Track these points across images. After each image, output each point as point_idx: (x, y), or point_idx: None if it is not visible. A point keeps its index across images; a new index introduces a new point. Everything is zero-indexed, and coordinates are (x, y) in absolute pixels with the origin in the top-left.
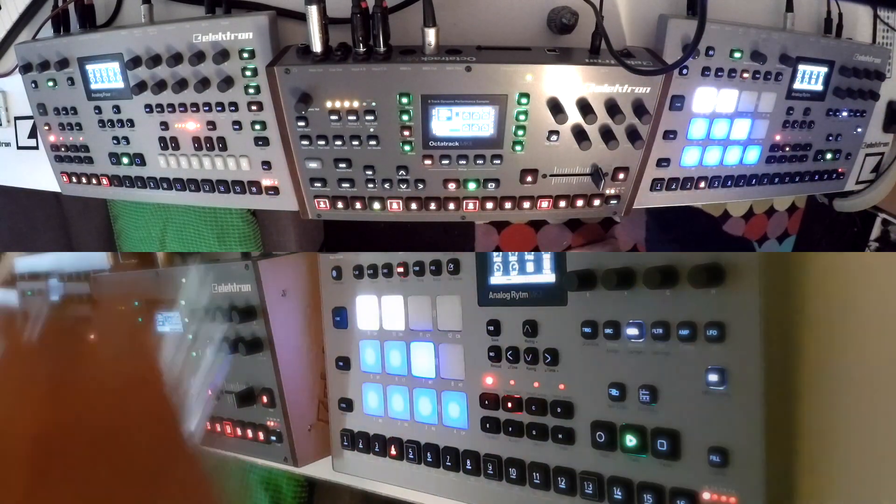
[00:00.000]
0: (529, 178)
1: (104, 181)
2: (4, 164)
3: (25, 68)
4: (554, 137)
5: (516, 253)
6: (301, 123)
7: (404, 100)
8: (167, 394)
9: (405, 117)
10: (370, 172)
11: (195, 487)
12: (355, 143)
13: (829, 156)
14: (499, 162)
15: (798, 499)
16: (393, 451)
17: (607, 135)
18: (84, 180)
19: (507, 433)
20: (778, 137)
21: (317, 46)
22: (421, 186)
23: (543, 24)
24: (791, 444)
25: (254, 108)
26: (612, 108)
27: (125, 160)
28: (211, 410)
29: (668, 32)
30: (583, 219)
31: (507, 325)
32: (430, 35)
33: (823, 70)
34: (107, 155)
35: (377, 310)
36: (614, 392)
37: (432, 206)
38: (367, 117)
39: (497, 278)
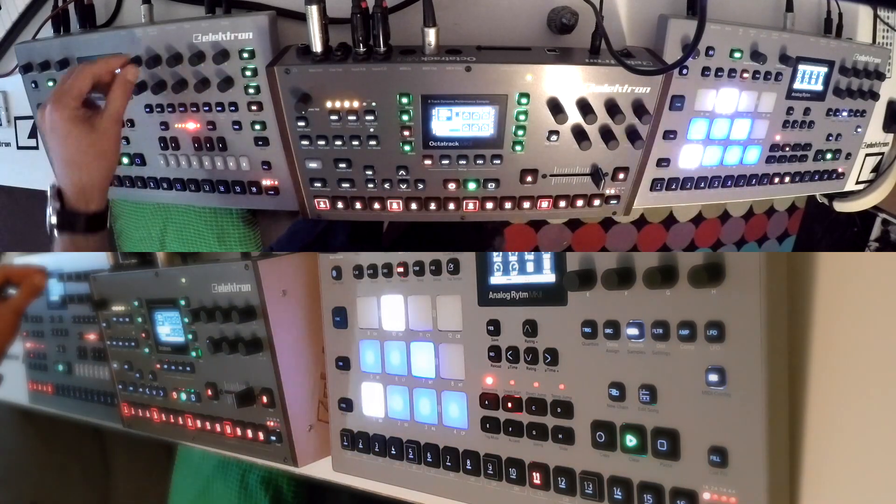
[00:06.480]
0: (529, 178)
1: None
2: (4, 164)
3: (25, 68)
4: (554, 137)
5: (516, 253)
6: (301, 123)
7: (404, 100)
8: None
9: (405, 117)
10: (370, 172)
11: None
12: (355, 142)
13: (829, 156)
14: (499, 162)
15: (798, 499)
16: (393, 451)
17: (607, 135)
18: None
19: (507, 433)
20: (778, 137)
21: (317, 46)
22: (421, 186)
23: (543, 24)
24: (791, 443)
25: (254, 108)
26: (612, 108)
27: (125, 160)
28: None
29: (668, 32)
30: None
31: (507, 325)
32: (431, 35)
33: (823, 70)
34: None
35: (377, 310)
36: (614, 392)
37: (432, 206)
38: (367, 117)
39: (497, 278)
